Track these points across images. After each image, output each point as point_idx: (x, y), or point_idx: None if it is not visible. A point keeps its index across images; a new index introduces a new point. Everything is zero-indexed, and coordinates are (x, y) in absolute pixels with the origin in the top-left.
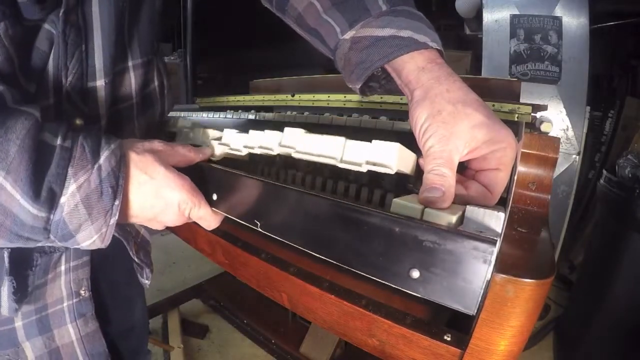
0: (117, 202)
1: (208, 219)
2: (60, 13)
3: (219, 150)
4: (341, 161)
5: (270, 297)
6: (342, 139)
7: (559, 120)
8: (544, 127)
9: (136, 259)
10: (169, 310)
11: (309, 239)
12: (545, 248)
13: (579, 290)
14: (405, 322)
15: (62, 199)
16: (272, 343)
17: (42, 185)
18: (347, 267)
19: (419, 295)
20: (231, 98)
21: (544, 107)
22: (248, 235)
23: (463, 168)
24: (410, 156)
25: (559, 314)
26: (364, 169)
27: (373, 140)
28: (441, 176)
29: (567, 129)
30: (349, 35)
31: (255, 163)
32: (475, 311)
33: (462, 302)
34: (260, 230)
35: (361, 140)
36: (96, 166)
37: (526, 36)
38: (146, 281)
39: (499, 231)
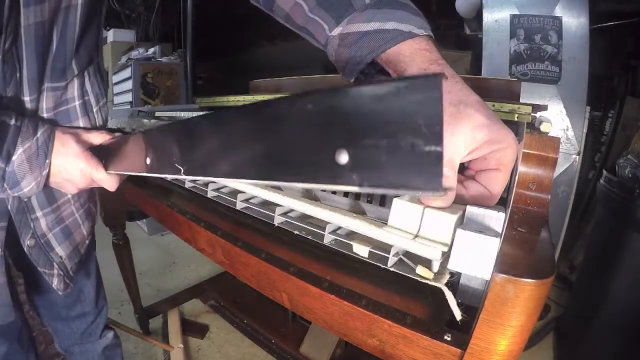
0: (47, 161)
1: (105, 181)
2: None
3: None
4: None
5: (270, 297)
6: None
7: (559, 120)
8: (543, 127)
9: (26, 250)
10: (169, 310)
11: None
12: (545, 248)
13: (579, 290)
14: (406, 322)
15: (14, 157)
16: (272, 343)
17: (3, 147)
18: (274, 183)
19: (356, 187)
20: (231, 98)
21: (543, 107)
22: (248, 234)
23: (463, 168)
24: None
25: (559, 314)
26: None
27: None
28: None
29: (567, 129)
30: (336, 31)
31: None
32: (442, 190)
33: (417, 181)
34: (184, 175)
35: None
36: (35, 138)
37: (526, 36)
38: (59, 292)
39: (499, 231)
